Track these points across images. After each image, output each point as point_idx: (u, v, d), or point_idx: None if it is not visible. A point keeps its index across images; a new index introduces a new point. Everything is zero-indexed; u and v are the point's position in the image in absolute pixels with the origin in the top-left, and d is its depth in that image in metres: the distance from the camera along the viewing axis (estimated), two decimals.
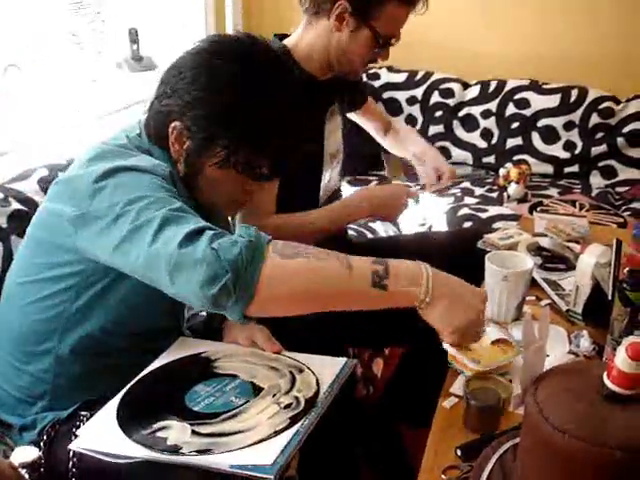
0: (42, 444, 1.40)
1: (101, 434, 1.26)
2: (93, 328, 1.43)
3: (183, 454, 1.19)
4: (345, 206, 2.04)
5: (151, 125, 1.47)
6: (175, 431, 1.24)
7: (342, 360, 1.46)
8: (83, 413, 1.41)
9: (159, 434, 1.24)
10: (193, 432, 1.24)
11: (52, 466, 1.34)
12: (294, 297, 1.24)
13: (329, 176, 2.11)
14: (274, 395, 1.33)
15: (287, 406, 1.30)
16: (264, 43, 1.47)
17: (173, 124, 1.40)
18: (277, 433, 1.22)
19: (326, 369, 1.42)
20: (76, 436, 1.36)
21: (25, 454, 1.11)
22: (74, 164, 1.45)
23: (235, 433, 1.23)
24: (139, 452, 1.20)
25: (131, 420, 1.28)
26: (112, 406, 1.32)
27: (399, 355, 2.32)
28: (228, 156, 1.39)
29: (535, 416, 0.97)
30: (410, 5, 1.87)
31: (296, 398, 1.32)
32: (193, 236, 1.17)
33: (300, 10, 1.97)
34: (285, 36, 2.02)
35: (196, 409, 1.30)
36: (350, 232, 2.72)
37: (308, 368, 1.42)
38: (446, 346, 1.46)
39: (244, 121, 1.37)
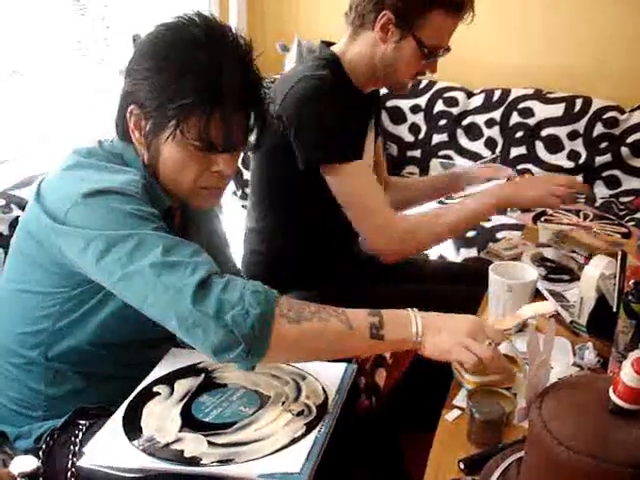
0: (41, 453, 1.38)
1: (111, 449, 1.22)
2: (80, 341, 1.41)
3: (205, 465, 1.17)
4: (478, 203, 1.95)
5: (117, 122, 1.43)
6: (190, 443, 1.22)
7: (342, 365, 1.45)
8: (81, 422, 1.40)
9: (174, 447, 1.21)
10: (209, 443, 1.22)
11: (51, 476, 1.33)
12: (300, 355, 1.33)
13: None
14: (283, 403, 1.32)
15: (299, 413, 1.29)
16: (215, 19, 1.40)
17: (129, 108, 1.36)
18: (295, 440, 1.22)
19: (328, 375, 1.41)
20: (75, 445, 1.35)
21: (24, 463, 1.10)
22: (52, 173, 1.42)
23: (253, 442, 1.22)
24: (157, 465, 1.18)
25: (140, 433, 1.25)
26: (117, 419, 1.29)
27: (404, 365, 2.30)
28: (177, 126, 1.32)
29: (540, 430, 0.96)
30: (457, 14, 1.84)
31: (306, 405, 1.32)
32: (200, 291, 1.20)
33: (340, 19, 1.95)
34: (331, 44, 1.99)
35: (206, 420, 1.28)
36: None
37: (310, 375, 1.41)
38: None
39: (183, 84, 1.30)
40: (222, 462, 1.17)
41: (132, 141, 1.41)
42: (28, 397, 1.46)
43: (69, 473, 1.34)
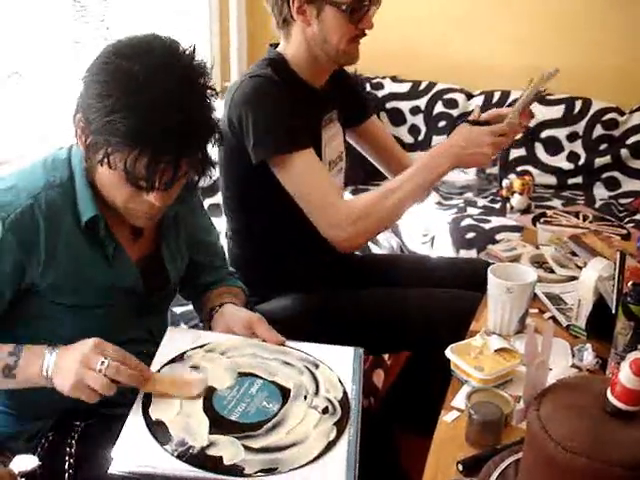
0: (37, 455, 1.36)
1: (142, 453, 1.17)
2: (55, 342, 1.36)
3: (249, 475, 1.15)
4: (425, 165, 1.84)
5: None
6: (226, 448, 1.19)
7: (350, 350, 1.47)
8: (76, 423, 1.40)
9: (210, 452, 1.17)
10: (245, 447, 1.19)
11: (48, 477, 1.32)
12: None
13: None
14: (305, 397, 1.32)
15: (325, 411, 1.30)
16: (165, 42, 1.32)
17: (78, 115, 1.32)
18: (330, 444, 1.22)
19: (338, 362, 1.43)
20: (71, 446, 1.34)
21: (24, 463, 1.10)
22: None
23: (289, 447, 1.21)
24: (199, 474, 1.14)
25: (169, 435, 1.20)
26: (137, 414, 1.24)
27: (401, 365, 2.30)
28: (105, 156, 1.28)
29: (538, 432, 0.97)
30: None
31: (329, 400, 1.32)
32: None
33: None
34: (278, 45, 2.00)
35: (233, 419, 1.25)
36: None
37: (321, 362, 1.42)
38: (449, 354, 1.46)
39: (113, 121, 1.24)
40: (265, 471, 1.15)
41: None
42: (5, 398, 1.45)
43: (66, 474, 1.34)
